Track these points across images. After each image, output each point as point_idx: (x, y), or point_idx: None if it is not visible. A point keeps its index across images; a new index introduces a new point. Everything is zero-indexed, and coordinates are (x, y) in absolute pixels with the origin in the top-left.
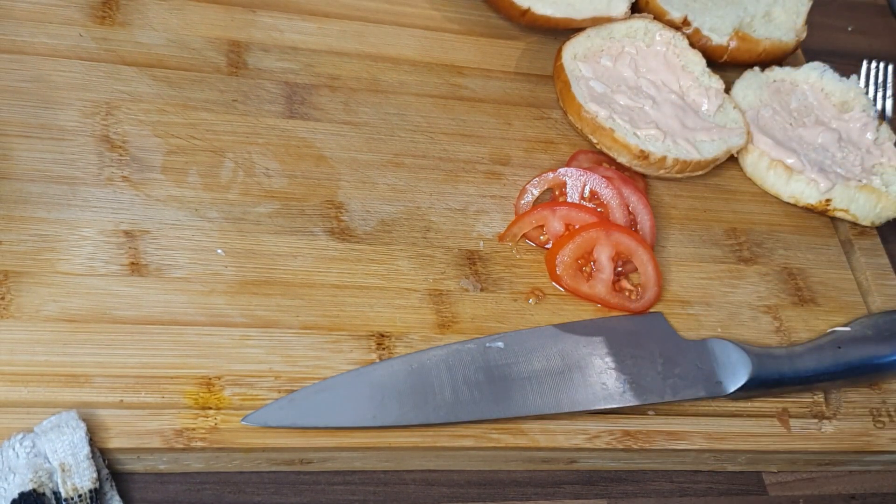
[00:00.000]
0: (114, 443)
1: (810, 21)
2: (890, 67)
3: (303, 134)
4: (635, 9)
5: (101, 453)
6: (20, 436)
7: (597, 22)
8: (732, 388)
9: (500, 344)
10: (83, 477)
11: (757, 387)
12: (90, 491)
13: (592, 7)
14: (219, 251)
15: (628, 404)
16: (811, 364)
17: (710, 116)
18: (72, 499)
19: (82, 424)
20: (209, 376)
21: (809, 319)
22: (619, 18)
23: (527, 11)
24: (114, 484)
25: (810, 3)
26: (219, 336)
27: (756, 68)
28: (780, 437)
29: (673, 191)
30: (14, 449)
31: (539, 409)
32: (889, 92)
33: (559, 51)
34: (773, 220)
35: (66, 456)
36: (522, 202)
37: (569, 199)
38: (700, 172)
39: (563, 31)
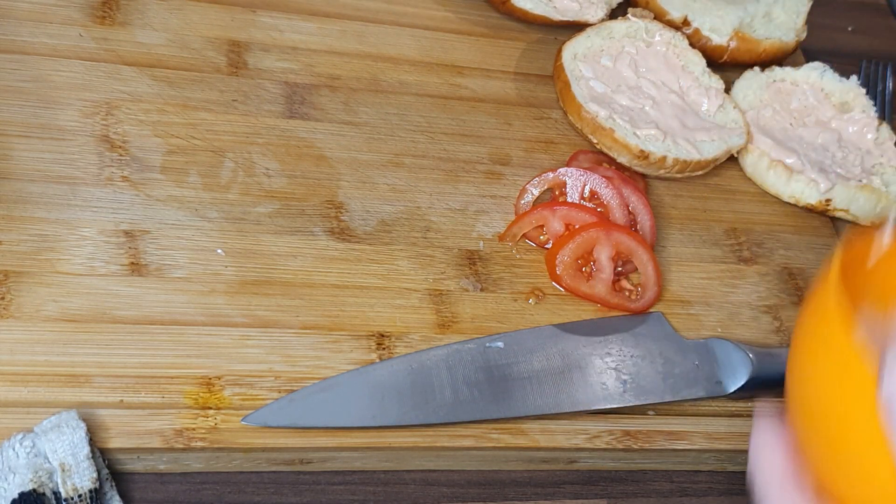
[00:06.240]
0: (114, 443)
1: (810, 21)
2: (890, 67)
3: (303, 134)
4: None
5: (101, 453)
6: (20, 436)
7: (572, 24)
8: (732, 388)
9: (500, 344)
10: (83, 477)
11: (757, 387)
12: (90, 491)
13: (571, 11)
14: (219, 251)
15: (628, 404)
16: None
17: (710, 116)
18: (72, 499)
19: (82, 424)
20: (209, 376)
21: None
22: (594, 23)
23: (507, 1)
24: (114, 484)
25: (810, 3)
26: (219, 336)
27: (756, 68)
28: None
29: (673, 191)
30: (14, 449)
31: (539, 409)
32: (889, 92)
33: (559, 51)
34: (773, 220)
35: (66, 456)
36: (522, 202)
37: (569, 199)
38: (700, 172)
39: (541, 25)
